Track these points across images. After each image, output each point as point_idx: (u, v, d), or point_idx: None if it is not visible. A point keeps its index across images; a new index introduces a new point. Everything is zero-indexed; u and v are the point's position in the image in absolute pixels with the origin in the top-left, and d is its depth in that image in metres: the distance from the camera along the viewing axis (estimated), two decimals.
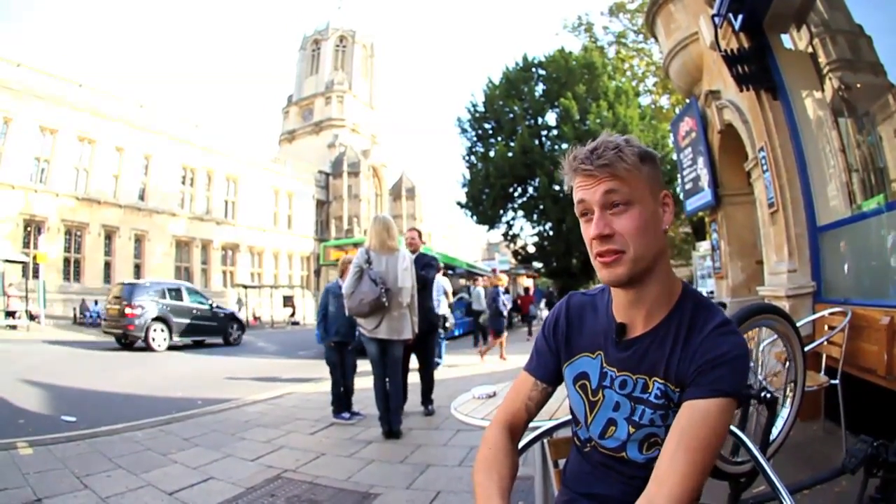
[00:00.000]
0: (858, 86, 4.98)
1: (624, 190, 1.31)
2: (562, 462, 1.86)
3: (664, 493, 1.19)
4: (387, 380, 6.09)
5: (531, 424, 1.66)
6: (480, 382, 3.86)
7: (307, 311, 41.32)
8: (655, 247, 1.35)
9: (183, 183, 42.74)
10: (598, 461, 1.51)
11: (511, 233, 38.06)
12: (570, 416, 1.73)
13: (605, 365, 1.47)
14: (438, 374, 7.65)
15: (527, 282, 34.37)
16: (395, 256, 6.11)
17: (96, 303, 31.33)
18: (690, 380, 1.31)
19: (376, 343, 6.05)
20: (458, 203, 37.83)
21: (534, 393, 1.60)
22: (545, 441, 2.06)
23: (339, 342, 7.04)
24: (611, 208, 1.32)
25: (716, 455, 1.27)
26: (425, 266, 7.00)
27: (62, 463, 4.79)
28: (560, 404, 2.87)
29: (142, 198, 39.04)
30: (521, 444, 1.75)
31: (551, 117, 35.38)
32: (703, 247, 17.28)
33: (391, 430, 5.96)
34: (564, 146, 31.79)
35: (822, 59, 5.27)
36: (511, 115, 34.75)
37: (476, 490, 1.41)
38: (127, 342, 17.80)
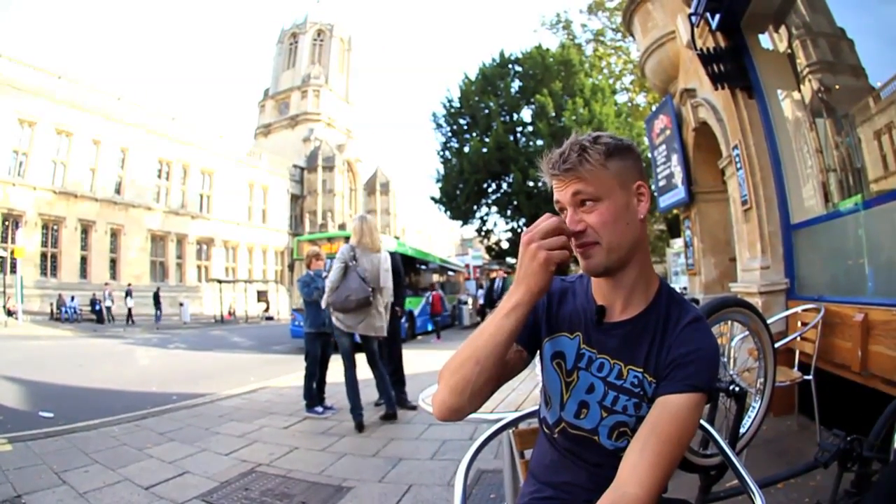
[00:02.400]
0: (837, 87, 5.03)
1: (589, 189, 1.37)
2: (527, 453, 1.90)
3: (633, 482, 1.22)
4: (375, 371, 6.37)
5: (496, 416, 1.66)
6: None
7: (281, 306, 41.15)
8: (630, 236, 1.40)
9: (159, 176, 42.49)
10: (565, 448, 1.53)
11: (485, 228, 37.99)
12: (534, 408, 1.76)
13: (582, 346, 1.50)
14: (410, 370, 7.67)
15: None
16: (378, 256, 6.23)
17: (73, 298, 31.22)
18: (665, 374, 1.36)
19: (350, 337, 6.18)
20: (432, 198, 37.74)
21: (510, 354, 1.48)
22: (510, 432, 2.08)
23: (325, 333, 7.04)
24: (582, 205, 1.39)
25: (685, 448, 1.31)
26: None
27: (41, 459, 4.77)
28: (526, 396, 2.89)
29: (118, 191, 38.77)
30: (486, 435, 1.81)
31: (527, 114, 35.33)
32: (678, 244, 17.44)
33: (392, 412, 6.40)
34: (539, 142, 31.99)
35: (800, 60, 5.32)
36: (486, 111, 34.63)
37: (487, 329, 1.34)
38: None
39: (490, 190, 35.77)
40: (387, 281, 6.23)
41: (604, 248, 1.37)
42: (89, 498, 3.93)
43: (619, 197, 1.38)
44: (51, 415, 6.67)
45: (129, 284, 34.98)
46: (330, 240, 18.75)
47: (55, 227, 34.73)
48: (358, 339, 6.29)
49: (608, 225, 1.37)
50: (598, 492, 1.26)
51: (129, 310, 32.53)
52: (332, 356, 7.31)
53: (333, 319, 6.24)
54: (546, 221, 1.29)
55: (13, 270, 28.09)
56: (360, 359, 6.29)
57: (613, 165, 1.38)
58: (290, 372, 10.08)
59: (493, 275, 18.35)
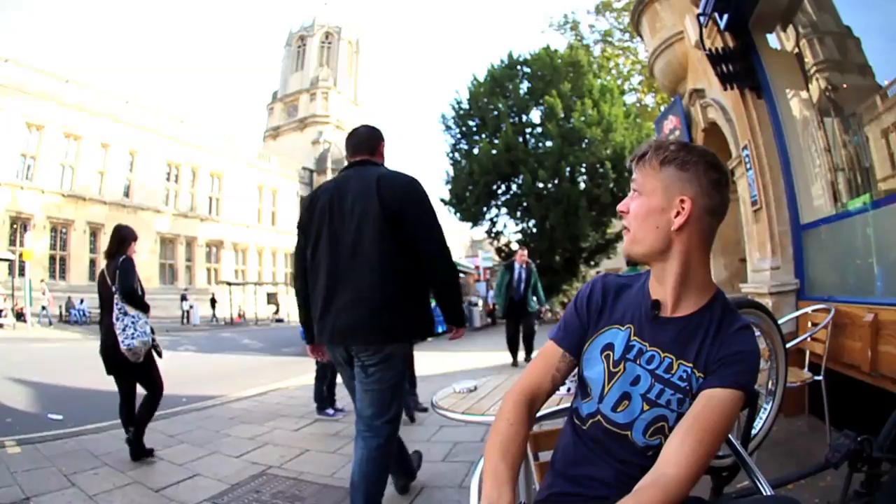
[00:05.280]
0: (845, 86, 5.03)
1: (639, 182, 1.53)
2: (542, 455, 1.93)
3: (673, 464, 1.26)
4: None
5: None
6: (462, 378, 3.88)
7: (291, 308, 41.21)
8: (657, 239, 1.48)
9: (168, 179, 42.84)
10: (596, 440, 1.55)
11: (494, 230, 37.82)
12: (548, 411, 1.79)
13: (633, 337, 1.54)
14: (420, 371, 7.65)
15: None
16: None
17: (82, 301, 31.51)
18: (713, 368, 1.42)
19: None
20: (442, 200, 37.58)
21: (561, 364, 1.64)
22: None
23: None
24: (634, 193, 1.54)
25: (721, 441, 1.35)
26: None
27: (50, 461, 4.78)
28: None
29: (127, 194, 39.17)
30: None
31: (536, 115, 35.23)
32: None
33: (410, 413, 6.39)
34: (549, 144, 32.02)
35: (808, 60, 5.31)
36: (495, 113, 34.56)
37: (488, 469, 1.41)
38: None
39: (500, 191, 35.67)
40: None
41: (631, 235, 1.54)
42: (99, 500, 3.94)
43: (657, 200, 1.48)
44: (60, 417, 6.71)
45: (186, 289, 38.20)
46: None
47: (64, 230, 35.17)
48: None
49: (637, 218, 1.51)
50: (620, 489, 1.31)
51: (186, 312, 34.87)
52: None
53: None
54: None
55: (21, 273, 28.24)
56: None
57: (666, 173, 1.48)
58: (301, 374, 10.11)
59: (516, 257, 11.39)
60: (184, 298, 35.46)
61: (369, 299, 3.09)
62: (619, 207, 1.57)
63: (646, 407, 1.47)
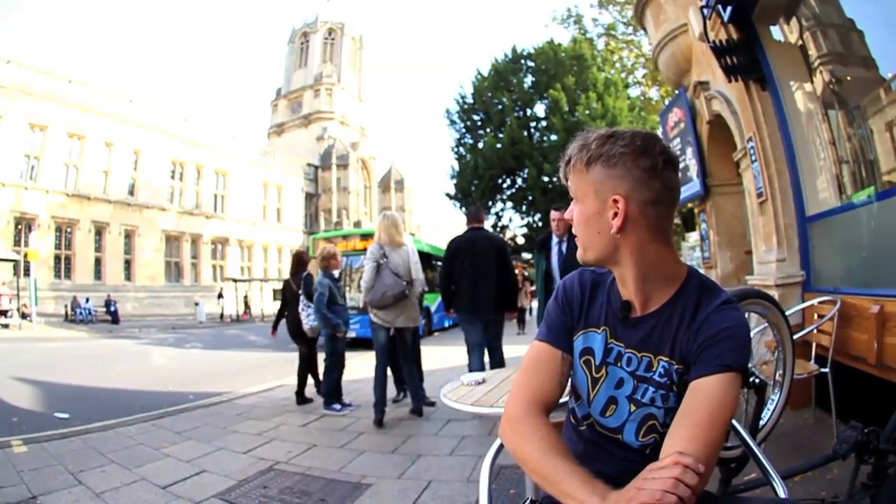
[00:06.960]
0: (849, 79, 5.00)
1: (572, 188, 1.48)
2: None
3: None
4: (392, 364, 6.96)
5: None
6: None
7: None
8: (603, 244, 1.42)
9: (172, 177, 42.83)
10: (593, 440, 1.52)
11: (500, 224, 37.86)
12: (562, 400, 1.75)
13: (610, 340, 1.50)
14: (428, 366, 7.68)
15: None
16: (405, 250, 6.48)
17: (87, 300, 31.55)
18: (695, 357, 1.34)
19: (387, 331, 6.35)
20: (447, 195, 37.76)
21: (564, 367, 1.53)
22: None
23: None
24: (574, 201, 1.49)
25: (723, 430, 1.25)
26: None
27: (56, 460, 4.79)
28: None
29: (131, 193, 39.16)
30: None
31: (540, 109, 35.44)
32: (693, 237, 17.29)
33: (419, 407, 6.61)
34: (553, 137, 31.97)
35: (812, 52, 5.29)
36: (500, 107, 34.68)
37: (560, 478, 1.27)
38: None
39: (505, 185, 35.79)
40: (418, 273, 6.50)
41: (580, 242, 1.48)
42: (106, 498, 3.96)
43: (591, 204, 1.42)
44: (66, 415, 6.74)
45: (221, 288, 39.92)
46: (345, 237, 18.82)
47: (69, 230, 35.21)
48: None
49: (579, 226, 1.47)
50: (626, 483, 1.19)
51: (223, 309, 37.48)
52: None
53: (371, 316, 6.42)
54: None
55: (27, 273, 28.27)
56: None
57: (594, 173, 1.41)
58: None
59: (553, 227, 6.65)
60: (220, 296, 38.22)
61: (494, 294, 6.49)
62: (565, 216, 1.55)
63: (633, 408, 1.43)
